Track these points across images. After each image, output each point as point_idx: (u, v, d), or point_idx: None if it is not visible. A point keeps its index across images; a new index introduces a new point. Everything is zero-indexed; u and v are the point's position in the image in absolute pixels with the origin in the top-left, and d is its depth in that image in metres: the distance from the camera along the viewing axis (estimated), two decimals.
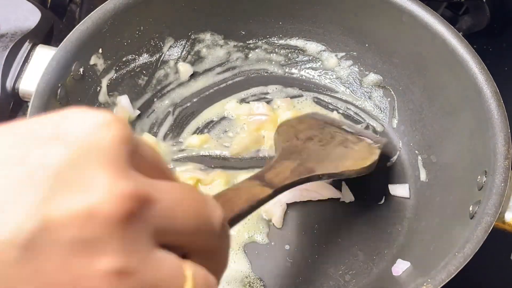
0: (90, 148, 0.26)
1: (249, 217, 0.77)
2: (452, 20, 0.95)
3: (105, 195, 0.25)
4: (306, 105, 0.89)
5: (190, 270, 0.28)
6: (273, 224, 0.78)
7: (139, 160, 0.29)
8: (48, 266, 0.25)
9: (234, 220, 0.43)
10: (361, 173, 0.73)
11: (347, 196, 0.80)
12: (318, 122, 0.78)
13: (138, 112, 0.85)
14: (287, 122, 0.80)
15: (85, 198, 0.25)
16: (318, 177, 0.65)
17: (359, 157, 0.72)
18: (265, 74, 0.92)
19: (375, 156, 0.73)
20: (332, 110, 0.89)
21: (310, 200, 0.80)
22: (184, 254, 0.30)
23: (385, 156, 0.85)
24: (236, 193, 0.47)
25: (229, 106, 0.88)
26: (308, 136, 0.73)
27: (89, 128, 0.27)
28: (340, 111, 0.89)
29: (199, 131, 0.86)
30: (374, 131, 0.87)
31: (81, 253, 0.25)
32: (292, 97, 0.90)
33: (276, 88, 0.90)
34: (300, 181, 0.62)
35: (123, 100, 0.82)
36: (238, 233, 0.77)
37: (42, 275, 0.25)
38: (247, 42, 0.90)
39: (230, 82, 0.91)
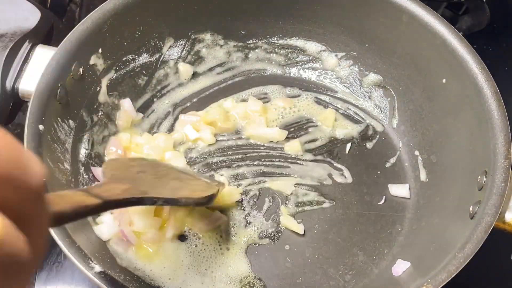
0: None
1: (249, 218, 0.78)
2: (452, 20, 0.95)
3: None
4: (305, 105, 0.89)
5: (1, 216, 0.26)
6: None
7: None
8: None
9: (58, 217, 0.41)
10: (200, 203, 0.70)
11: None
12: (151, 163, 0.76)
13: (141, 115, 0.85)
14: (116, 160, 0.77)
15: None
16: (153, 201, 0.61)
17: (196, 189, 0.69)
18: (265, 74, 0.92)
19: (213, 190, 0.70)
20: (332, 110, 0.89)
21: (310, 201, 0.80)
22: None
23: (384, 156, 0.85)
24: (62, 194, 0.45)
25: (226, 104, 0.88)
26: (141, 170, 0.70)
27: None
28: (340, 111, 0.89)
29: None
30: (374, 131, 0.87)
31: None
32: (292, 97, 0.90)
33: (275, 88, 0.91)
34: (133, 200, 0.58)
35: (126, 104, 0.82)
36: (239, 234, 0.77)
37: None
38: (247, 42, 0.90)
39: (230, 82, 0.91)
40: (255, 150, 0.85)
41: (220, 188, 0.73)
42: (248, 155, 0.84)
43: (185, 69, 0.88)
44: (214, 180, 0.79)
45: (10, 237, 0.26)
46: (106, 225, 0.73)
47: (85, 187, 0.59)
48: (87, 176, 0.76)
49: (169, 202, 0.64)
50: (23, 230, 0.27)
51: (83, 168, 0.76)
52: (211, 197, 0.68)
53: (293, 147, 0.84)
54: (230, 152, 0.84)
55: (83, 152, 0.77)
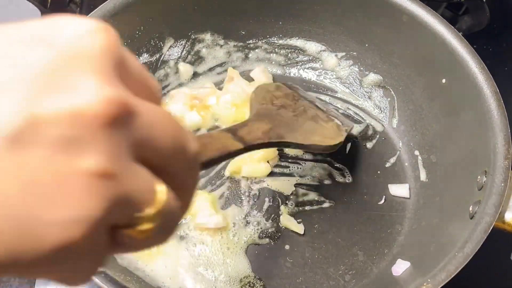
0: (79, 53, 0.27)
1: (250, 218, 0.78)
2: (452, 20, 0.95)
3: (92, 98, 0.25)
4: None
5: (163, 188, 0.29)
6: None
7: (126, 74, 0.29)
8: (33, 161, 0.25)
9: (205, 165, 0.44)
10: (326, 150, 0.75)
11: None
12: (294, 93, 0.79)
13: None
14: (265, 86, 0.80)
15: (72, 99, 0.25)
16: (286, 145, 0.66)
17: (327, 135, 0.73)
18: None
19: (341, 138, 0.74)
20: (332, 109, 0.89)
21: (310, 201, 0.81)
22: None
23: (384, 156, 0.85)
24: (209, 141, 0.47)
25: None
26: (283, 103, 0.74)
27: (78, 34, 0.27)
28: (340, 111, 0.89)
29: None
30: (374, 131, 0.87)
31: (66, 151, 0.25)
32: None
33: None
34: (270, 145, 0.63)
35: None
36: (239, 234, 0.77)
37: (27, 170, 0.25)
38: (247, 42, 0.90)
39: None
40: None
41: (347, 129, 0.77)
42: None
43: (185, 69, 0.88)
44: (345, 120, 0.81)
45: (173, 205, 0.30)
46: None
47: (235, 124, 0.60)
48: None
49: (300, 147, 0.69)
50: (178, 193, 0.31)
51: None
52: (336, 145, 0.73)
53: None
54: None
55: None
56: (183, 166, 0.31)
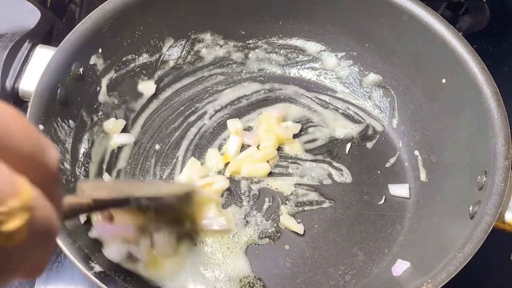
0: None
1: (250, 218, 0.78)
2: (452, 20, 0.95)
3: None
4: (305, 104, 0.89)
5: (25, 182, 0.28)
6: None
7: None
8: None
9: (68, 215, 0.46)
10: (182, 199, 0.72)
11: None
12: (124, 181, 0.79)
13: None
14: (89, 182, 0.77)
15: None
16: (138, 200, 0.62)
17: (175, 189, 0.73)
18: (265, 73, 0.92)
19: (190, 188, 0.75)
20: (332, 110, 0.89)
21: (309, 201, 0.80)
22: None
23: (384, 156, 0.85)
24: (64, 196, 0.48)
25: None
26: (116, 184, 0.75)
27: None
28: (340, 111, 0.89)
29: None
30: (374, 131, 0.87)
31: None
32: (292, 96, 0.90)
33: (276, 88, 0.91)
34: (120, 201, 0.60)
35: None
36: (239, 234, 0.77)
37: None
38: (247, 42, 0.90)
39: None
40: None
41: (192, 187, 0.76)
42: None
43: (146, 87, 0.86)
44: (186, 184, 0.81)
45: (41, 201, 0.28)
46: (115, 248, 0.72)
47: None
48: (86, 177, 0.76)
49: (153, 200, 0.65)
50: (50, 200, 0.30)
51: (83, 168, 0.76)
52: (190, 194, 0.73)
53: (293, 147, 0.84)
54: None
55: (83, 152, 0.77)
56: (46, 172, 0.30)
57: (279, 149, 0.85)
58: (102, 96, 0.80)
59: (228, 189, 0.80)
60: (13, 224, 0.26)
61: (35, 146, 0.30)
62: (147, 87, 0.86)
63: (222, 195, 0.80)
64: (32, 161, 0.29)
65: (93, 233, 0.69)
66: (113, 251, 0.71)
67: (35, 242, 0.28)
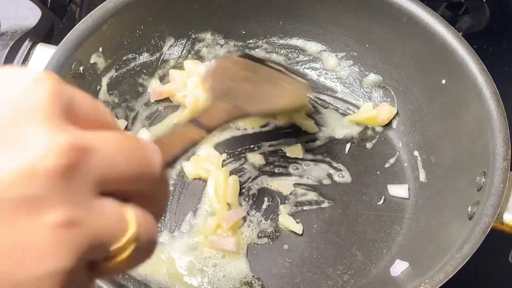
0: (24, 107, 0.27)
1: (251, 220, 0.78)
2: (452, 20, 0.95)
3: (43, 151, 0.26)
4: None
5: (131, 213, 0.29)
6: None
7: (76, 113, 0.29)
8: None
9: (171, 162, 0.44)
10: (293, 109, 0.78)
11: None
12: (250, 63, 0.78)
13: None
14: (222, 62, 0.78)
15: (24, 156, 0.25)
16: (249, 114, 0.67)
17: (290, 96, 0.75)
18: None
19: (304, 96, 0.78)
20: (332, 110, 0.89)
21: (309, 201, 0.81)
22: (125, 198, 0.31)
23: (384, 157, 0.85)
24: (171, 139, 0.47)
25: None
26: (242, 76, 0.74)
27: (21, 87, 0.28)
28: (340, 111, 0.89)
29: None
30: (374, 131, 0.87)
31: (27, 210, 0.25)
32: None
33: None
34: (232, 120, 0.64)
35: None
36: (239, 234, 0.77)
37: None
38: (248, 41, 0.90)
39: None
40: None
41: (307, 87, 0.79)
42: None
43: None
44: (303, 74, 0.83)
45: (145, 224, 0.30)
46: None
47: (192, 117, 0.59)
48: None
49: (266, 115, 0.71)
50: (149, 208, 0.31)
51: None
52: (301, 104, 0.77)
53: (295, 150, 0.84)
54: (228, 150, 0.84)
55: None
56: (151, 184, 0.31)
57: (280, 150, 0.85)
58: (103, 95, 0.80)
59: None
60: (122, 256, 0.29)
61: (140, 167, 0.30)
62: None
63: None
64: (139, 179, 0.30)
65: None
66: None
67: (139, 255, 0.30)
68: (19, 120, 0.26)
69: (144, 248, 0.30)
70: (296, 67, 0.92)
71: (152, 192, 0.32)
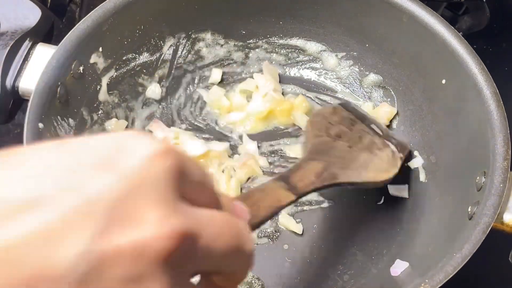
0: (143, 180, 0.27)
1: None
2: (452, 20, 0.94)
3: (154, 232, 0.26)
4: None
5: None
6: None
7: (187, 183, 0.30)
8: None
9: (256, 226, 0.44)
10: (379, 185, 0.74)
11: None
12: (350, 116, 0.78)
13: None
14: (321, 111, 0.79)
15: (136, 233, 0.26)
16: (339, 185, 0.65)
17: (381, 169, 0.72)
18: None
19: (395, 169, 0.74)
20: None
21: (309, 200, 0.81)
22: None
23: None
24: (262, 196, 0.46)
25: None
26: (338, 132, 0.72)
27: (144, 158, 0.28)
28: None
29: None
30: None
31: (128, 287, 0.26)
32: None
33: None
34: (322, 188, 0.63)
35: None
36: None
37: None
38: (248, 41, 0.90)
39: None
40: None
41: (402, 157, 0.75)
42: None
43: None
44: (400, 142, 0.79)
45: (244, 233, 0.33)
46: None
47: (288, 170, 0.59)
48: None
49: (352, 185, 0.67)
50: (232, 275, 0.34)
51: None
52: (390, 179, 0.73)
53: (295, 150, 0.84)
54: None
55: None
56: (240, 263, 0.33)
57: (280, 151, 0.85)
58: (103, 95, 0.80)
59: None
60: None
61: (235, 251, 0.32)
62: (154, 91, 0.86)
63: None
64: (229, 261, 0.32)
65: None
66: None
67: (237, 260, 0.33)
68: (135, 195, 0.26)
69: (242, 251, 0.33)
70: (296, 67, 0.92)
71: (235, 272, 0.34)
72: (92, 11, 0.74)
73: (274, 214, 0.47)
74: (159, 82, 0.87)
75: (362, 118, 0.80)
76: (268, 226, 0.78)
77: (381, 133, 0.79)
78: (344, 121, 0.75)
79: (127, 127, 0.84)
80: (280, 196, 0.49)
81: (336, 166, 0.65)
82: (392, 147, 0.77)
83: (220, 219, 0.31)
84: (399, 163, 0.75)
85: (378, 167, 0.72)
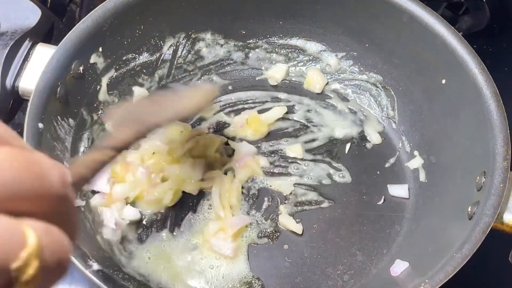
0: None
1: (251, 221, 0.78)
2: (452, 20, 0.95)
3: None
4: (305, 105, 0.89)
5: (29, 227, 0.28)
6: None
7: None
8: None
9: (80, 183, 0.43)
10: (201, 108, 0.77)
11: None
12: (151, 98, 0.79)
13: None
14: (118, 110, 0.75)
15: None
16: (157, 125, 0.64)
17: (194, 97, 0.73)
18: None
19: (208, 95, 0.75)
20: (332, 109, 0.89)
21: (309, 201, 0.81)
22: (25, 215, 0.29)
23: (384, 157, 0.85)
24: (78, 166, 0.46)
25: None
26: (139, 107, 0.72)
27: None
28: (340, 111, 0.89)
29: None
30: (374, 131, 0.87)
31: None
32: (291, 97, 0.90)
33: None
34: (142, 134, 0.61)
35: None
36: (239, 239, 0.77)
37: None
38: (248, 41, 0.90)
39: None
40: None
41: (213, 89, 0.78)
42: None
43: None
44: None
45: (49, 236, 0.29)
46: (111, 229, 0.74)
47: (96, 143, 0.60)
48: None
49: (172, 119, 0.67)
50: (58, 224, 0.30)
51: None
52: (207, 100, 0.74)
53: (295, 150, 0.84)
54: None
55: (82, 150, 0.77)
56: (48, 201, 0.30)
57: (280, 151, 0.85)
58: (102, 95, 0.80)
59: None
60: (27, 274, 0.27)
61: (34, 181, 0.29)
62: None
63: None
64: (33, 197, 0.29)
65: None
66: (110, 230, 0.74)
67: (48, 273, 0.29)
68: None
69: (52, 264, 0.29)
70: (297, 68, 0.92)
71: (54, 210, 0.30)
72: (92, 11, 0.74)
73: (98, 169, 0.47)
74: (159, 82, 0.87)
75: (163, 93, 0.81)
76: (268, 226, 0.78)
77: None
78: (144, 101, 0.77)
79: None
80: (98, 157, 0.49)
81: (146, 116, 0.65)
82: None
83: (8, 150, 0.29)
84: (212, 91, 0.77)
85: (190, 96, 0.73)
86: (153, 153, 0.80)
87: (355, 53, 0.89)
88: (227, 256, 0.74)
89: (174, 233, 0.77)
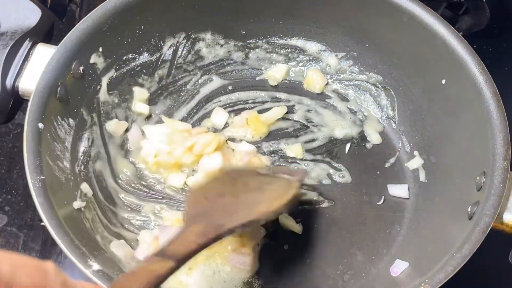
0: None
1: None
2: (452, 20, 0.95)
3: None
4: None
5: None
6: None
7: None
8: None
9: None
10: (280, 211, 0.69)
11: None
12: (230, 175, 0.73)
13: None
14: (196, 187, 0.74)
15: None
16: (230, 231, 0.61)
17: (274, 197, 0.69)
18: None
19: (293, 190, 0.70)
20: (332, 109, 0.89)
21: (308, 201, 0.81)
22: None
23: (384, 157, 0.85)
24: (133, 278, 0.45)
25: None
26: (219, 192, 0.68)
27: None
28: (340, 111, 0.89)
29: None
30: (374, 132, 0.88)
31: None
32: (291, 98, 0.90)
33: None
34: (209, 242, 0.58)
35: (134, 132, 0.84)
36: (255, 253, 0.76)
37: None
38: (248, 41, 0.90)
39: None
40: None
41: (299, 178, 0.73)
42: None
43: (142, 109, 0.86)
44: (294, 171, 0.78)
45: None
46: (146, 245, 0.74)
47: (162, 246, 0.56)
48: (86, 174, 0.77)
49: (246, 226, 0.63)
50: None
51: (82, 166, 0.76)
52: (290, 200, 0.68)
53: (295, 150, 0.85)
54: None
55: (82, 150, 0.77)
56: None
57: (280, 150, 0.85)
58: (103, 95, 0.80)
59: None
60: None
61: None
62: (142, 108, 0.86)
63: None
64: None
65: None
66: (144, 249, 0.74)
67: None
68: None
69: None
70: (297, 68, 0.92)
71: None
72: (92, 11, 0.74)
73: (156, 284, 0.45)
74: (159, 82, 0.87)
75: (244, 171, 0.77)
76: (268, 226, 0.78)
77: (269, 173, 0.76)
78: (224, 183, 0.71)
79: (127, 128, 0.84)
80: (154, 268, 0.47)
81: (220, 218, 0.62)
82: (284, 176, 0.74)
83: None
84: (295, 185, 0.72)
85: (271, 197, 0.69)
86: (155, 155, 0.80)
87: (355, 53, 0.89)
88: (244, 270, 0.74)
89: None
